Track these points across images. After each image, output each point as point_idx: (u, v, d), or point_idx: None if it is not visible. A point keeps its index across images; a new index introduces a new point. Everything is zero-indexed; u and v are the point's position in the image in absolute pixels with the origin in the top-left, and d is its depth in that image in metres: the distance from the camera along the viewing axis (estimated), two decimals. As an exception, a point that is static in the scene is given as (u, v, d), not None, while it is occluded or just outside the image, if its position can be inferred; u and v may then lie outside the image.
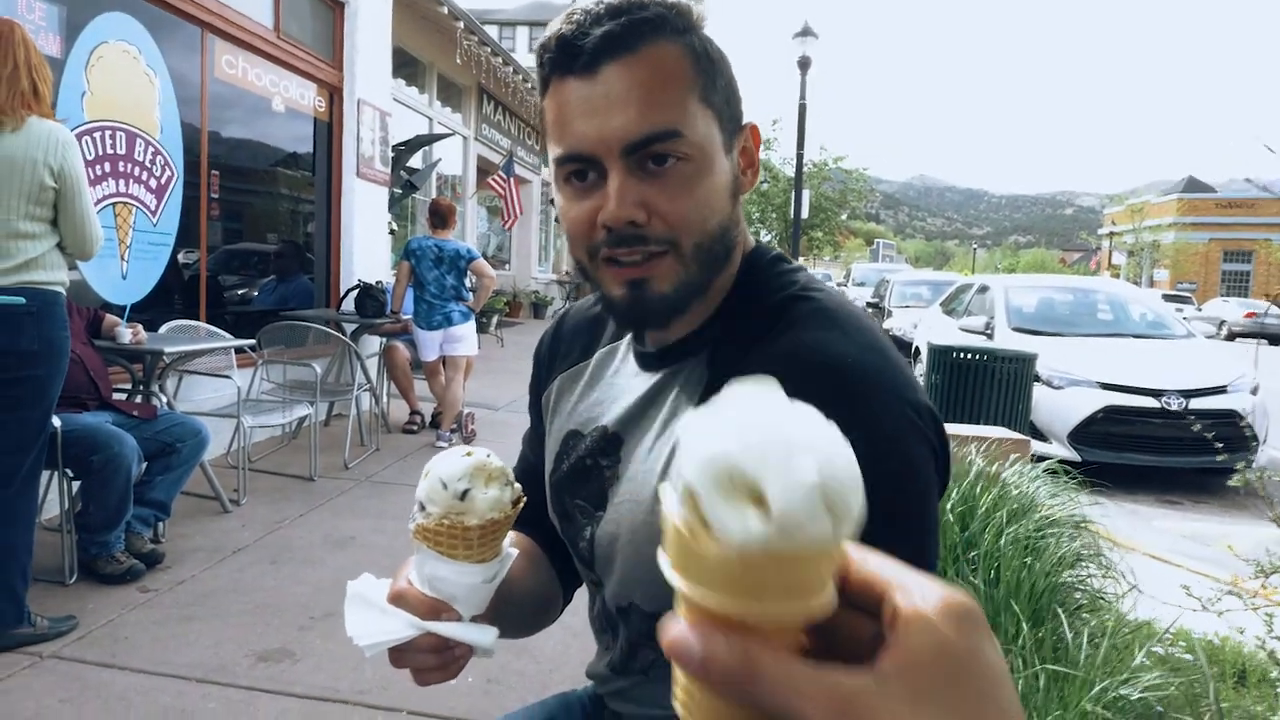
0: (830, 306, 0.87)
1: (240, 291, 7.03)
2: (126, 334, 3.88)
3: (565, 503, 1.03)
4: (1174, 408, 6.32)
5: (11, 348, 2.71)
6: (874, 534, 0.74)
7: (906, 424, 0.79)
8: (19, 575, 2.82)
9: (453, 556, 0.79)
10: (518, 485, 0.82)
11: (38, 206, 2.75)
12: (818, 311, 0.86)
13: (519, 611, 1.02)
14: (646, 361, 0.98)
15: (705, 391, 0.88)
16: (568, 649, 2.95)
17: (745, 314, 0.90)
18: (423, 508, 0.79)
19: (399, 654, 0.82)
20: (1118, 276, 38.88)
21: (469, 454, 0.80)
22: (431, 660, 0.82)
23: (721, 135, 0.86)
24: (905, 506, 0.77)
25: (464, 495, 0.77)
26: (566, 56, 0.83)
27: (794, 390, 0.77)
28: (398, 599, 0.81)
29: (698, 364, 0.91)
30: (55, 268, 2.83)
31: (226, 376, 4.75)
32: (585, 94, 0.83)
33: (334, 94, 7.12)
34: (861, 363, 0.80)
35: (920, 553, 0.78)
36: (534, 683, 2.78)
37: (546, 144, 0.90)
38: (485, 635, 0.82)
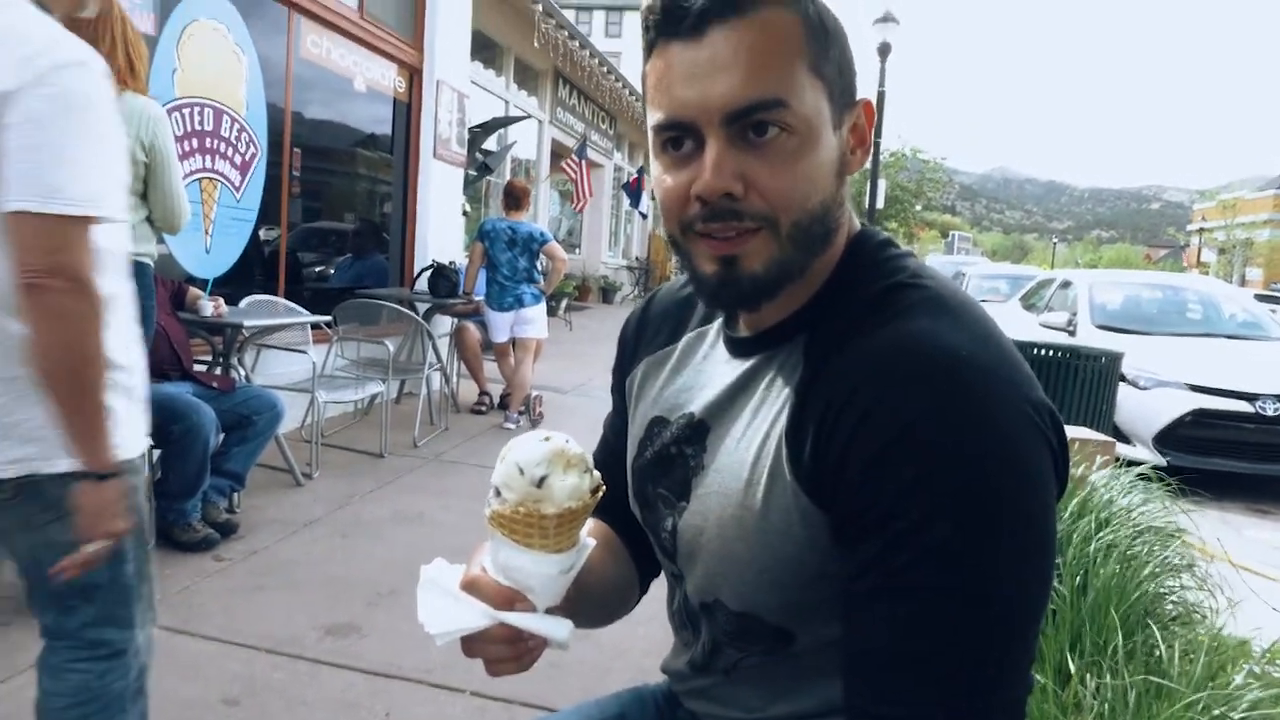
0: (943, 295, 0.81)
1: (318, 269, 7.15)
2: (209, 307, 3.96)
3: (647, 491, 0.99)
4: (1269, 413, 6.04)
5: (99, 316, 2.76)
6: (991, 538, 0.69)
7: (1025, 423, 0.72)
8: None
9: (528, 545, 0.75)
10: (597, 473, 0.78)
11: (129, 180, 2.80)
12: (928, 300, 0.80)
13: (594, 602, 0.98)
14: (738, 347, 0.93)
15: (801, 380, 0.82)
16: (631, 638, 2.93)
17: (847, 299, 0.84)
18: (498, 493, 0.75)
19: (471, 643, 0.79)
20: (1207, 274, 37.49)
21: (547, 439, 0.76)
22: (505, 651, 0.80)
23: (830, 109, 0.80)
24: (1024, 511, 0.71)
25: (541, 482, 0.74)
26: (671, 19, 0.78)
27: (901, 381, 0.73)
28: (471, 586, 0.78)
29: (793, 351, 0.85)
30: (144, 240, 2.89)
31: (302, 351, 4.83)
32: (689, 58, 0.78)
33: (414, 75, 7.18)
34: (976, 356, 0.74)
35: (1039, 556, 0.72)
36: (596, 670, 2.76)
37: (646, 110, 0.85)
38: (560, 629, 0.78)
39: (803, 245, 0.81)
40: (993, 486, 0.70)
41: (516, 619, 0.77)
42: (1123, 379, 6.14)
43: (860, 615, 0.73)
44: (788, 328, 0.87)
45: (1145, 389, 6.39)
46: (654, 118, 0.82)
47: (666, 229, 0.87)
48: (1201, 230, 47.38)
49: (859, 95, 0.85)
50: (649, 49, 0.82)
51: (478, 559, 0.81)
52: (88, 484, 1.38)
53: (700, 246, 0.83)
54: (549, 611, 0.79)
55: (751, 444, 0.85)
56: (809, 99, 0.78)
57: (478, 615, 0.76)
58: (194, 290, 4.06)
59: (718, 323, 0.99)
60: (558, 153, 14.26)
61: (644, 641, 2.90)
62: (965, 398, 0.71)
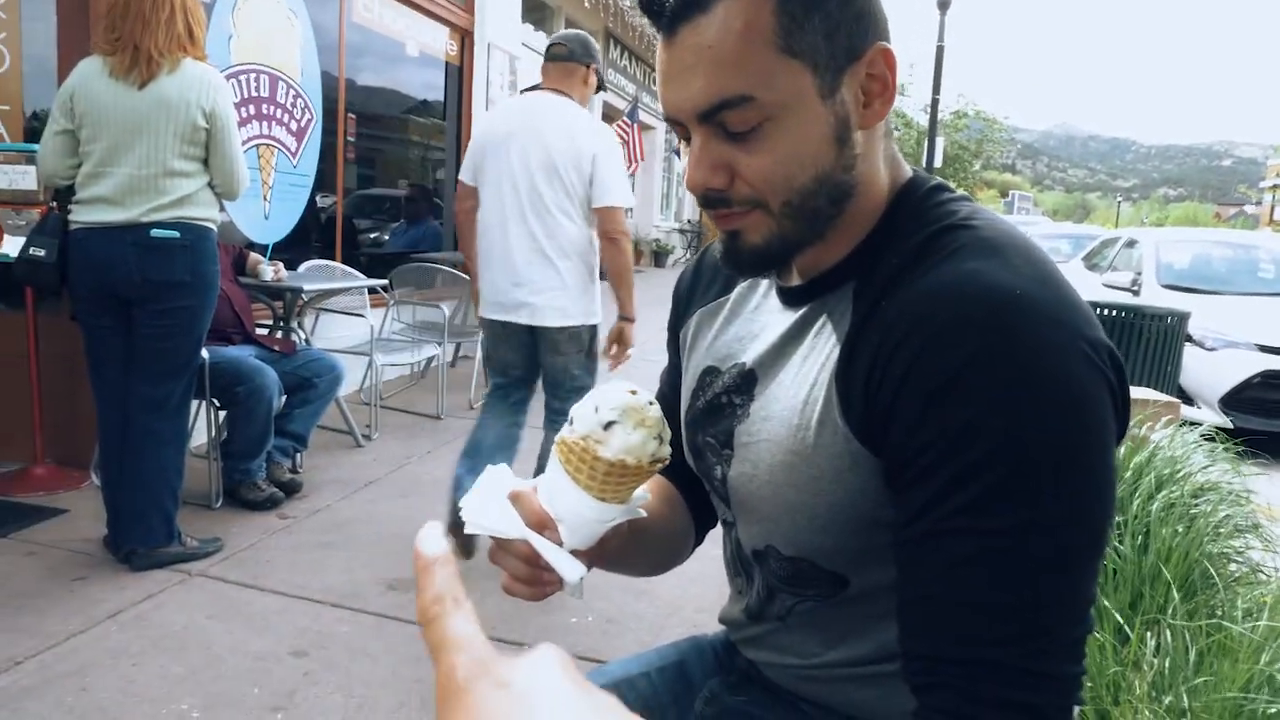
0: (993, 235, 0.79)
1: (373, 234, 7.24)
2: (269, 271, 4.04)
3: (698, 439, 1.00)
4: (1341, 375, 5.84)
5: (165, 278, 2.85)
6: (1044, 481, 0.69)
7: (1083, 362, 0.71)
8: (170, 497, 2.99)
9: (575, 479, 0.77)
10: (668, 448, 0.79)
11: (191, 146, 2.86)
12: (979, 240, 0.78)
13: (649, 549, 1.01)
14: (788, 297, 0.93)
15: (851, 327, 0.82)
16: (685, 593, 2.96)
17: (895, 245, 0.83)
18: (571, 422, 0.77)
19: (497, 550, 0.82)
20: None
21: (634, 392, 0.78)
22: (522, 570, 0.81)
23: (816, 80, 0.79)
24: (1078, 452, 0.70)
25: (608, 426, 0.75)
26: (653, 16, 0.81)
27: (947, 326, 0.72)
28: (515, 499, 0.80)
29: (842, 298, 0.86)
30: (207, 205, 2.95)
31: (360, 315, 4.91)
32: (667, 57, 0.81)
33: (465, 38, 7.18)
34: (1027, 295, 0.72)
35: (1094, 503, 0.71)
36: (651, 625, 2.80)
37: None
38: (573, 570, 0.79)
39: (802, 218, 0.83)
40: (1045, 429, 0.69)
41: (538, 541, 0.78)
42: (1189, 339, 5.98)
43: (912, 560, 0.74)
44: (836, 275, 0.87)
45: (1212, 350, 6.21)
46: None
47: None
48: (1276, 187, 45.69)
49: (873, 41, 0.81)
50: None
51: (539, 479, 0.83)
52: (628, 324, 3.24)
53: (714, 220, 0.87)
54: (574, 553, 0.81)
55: (800, 390, 0.86)
56: (781, 83, 0.78)
57: (508, 524, 0.79)
58: (255, 255, 4.14)
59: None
60: (609, 115, 14.18)
61: (698, 599, 2.93)
62: (1015, 339, 0.70)
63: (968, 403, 0.69)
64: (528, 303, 3.06)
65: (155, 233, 2.82)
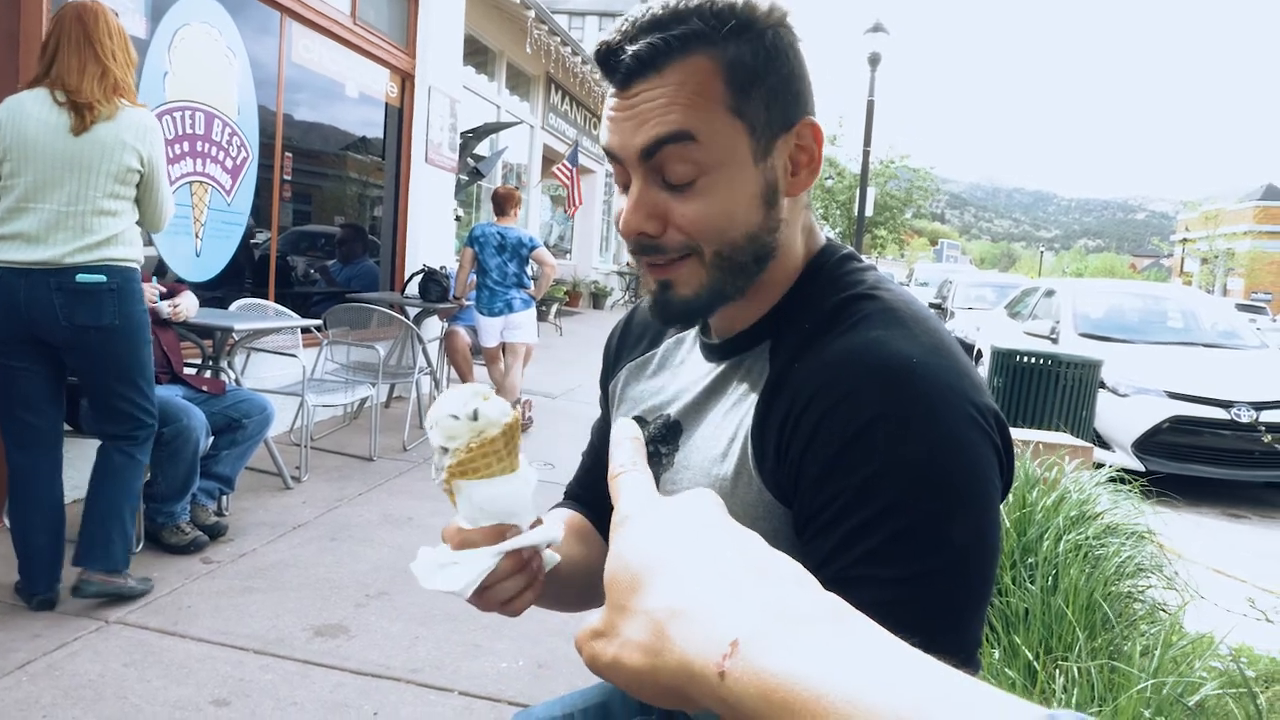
0: (895, 305, 0.86)
1: (308, 272, 7.18)
2: (165, 308, 3.83)
3: None
4: (1244, 420, 6.15)
5: (94, 323, 2.81)
6: (939, 532, 0.74)
7: (970, 425, 0.78)
8: (132, 521, 3.05)
9: (491, 475, 0.81)
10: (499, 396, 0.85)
11: (122, 186, 2.84)
12: (882, 310, 0.85)
13: (573, 586, 1.04)
14: (710, 352, 0.99)
15: (766, 384, 0.88)
16: (616, 637, 2.97)
17: (807, 309, 0.90)
18: (445, 451, 0.81)
19: (486, 596, 0.83)
20: (1190, 284, 37.72)
21: (454, 390, 0.83)
22: (520, 582, 0.84)
23: (752, 143, 0.86)
24: (970, 506, 0.76)
25: (476, 414, 0.80)
26: (607, 70, 0.87)
27: (856, 387, 0.78)
28: (464, 544, 0.82)
29: (759, 357, 0.92)
30: (132, 244, 2.92)
31: (292, 355, 4.85)
32: (620, 105, 0.87)
33: (406, 80, 7.22)
34: (926, 363, 0.79)
35: (981, 553, 0.77)
36: (582, 668, 2.79)
37: None
38: (551, 530, 0.84)
39: (731, 270, 0.88)
40: (941, 485, 0.75)
41: (512, 543, 0.82)
42: (1103, 386, 6.24)
43: None
44: (753, 334, 0.93)
45: (1125, 396, 6.49)
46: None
47: None
48: (1185, 241, 47.75)
49: (805, 116, 0.89)
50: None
51: (452, 531, 0.85)
52: None
53: (643, 269, 0.92)
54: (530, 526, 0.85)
55: (719, 443, 0.91)
56: (721, 138, 0.84)
57: (486, 557, 0.81)
58: (148, 288, 3.96)
59: (695, 329, 1.04)
60: (549, 158, 14.31)
61: (628, 642, 2.94)
62: (914, 402, 0.77)
63: (868, 461, 0.75)
64: None
65: (81, 278, 2.77)
